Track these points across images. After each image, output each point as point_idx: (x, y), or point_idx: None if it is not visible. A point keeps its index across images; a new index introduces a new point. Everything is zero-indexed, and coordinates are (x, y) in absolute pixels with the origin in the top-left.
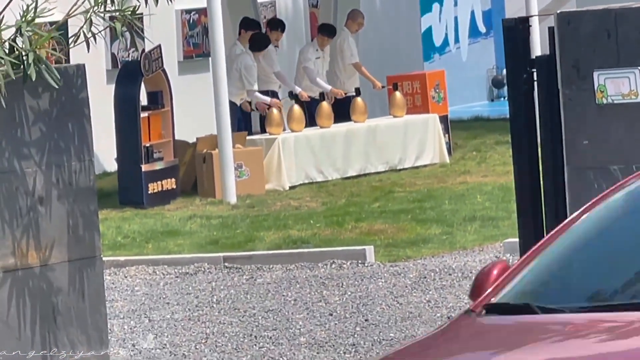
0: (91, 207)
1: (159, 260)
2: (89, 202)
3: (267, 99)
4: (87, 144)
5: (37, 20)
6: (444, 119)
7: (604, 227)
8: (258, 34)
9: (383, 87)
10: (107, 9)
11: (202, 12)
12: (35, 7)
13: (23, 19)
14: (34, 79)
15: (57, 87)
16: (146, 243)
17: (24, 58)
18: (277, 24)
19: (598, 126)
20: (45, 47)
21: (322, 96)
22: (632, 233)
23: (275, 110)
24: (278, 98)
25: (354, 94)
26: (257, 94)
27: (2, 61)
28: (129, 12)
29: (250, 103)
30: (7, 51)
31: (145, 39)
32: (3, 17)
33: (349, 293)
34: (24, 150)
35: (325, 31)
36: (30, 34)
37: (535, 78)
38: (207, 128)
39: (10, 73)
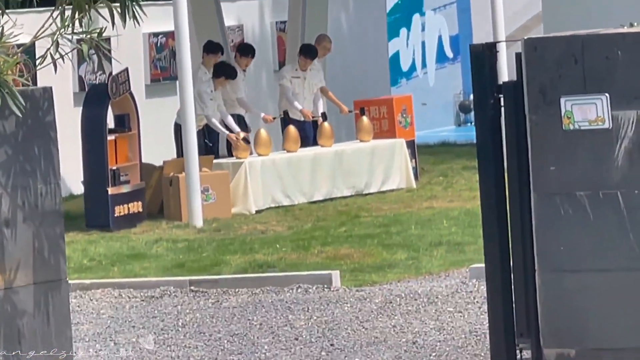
0: (57, 230)
1: (125, 284)
2: (55, 225)
3: (224, 130)
4: (54, 167)
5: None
6: (410, 144)
7: None
8: (225, 63)
9: (350, 111)
10: (75, 30)
11: (170, 35)
12: (2, 33)
13: None
14: None
15: (20, 115)
16: (112, 266)
17: None
18: (247, 50)
19: (565, 152)
20: (12, 73)
21: (287, 116)
22: None
23: (242, 134)
24: (245, 122)
25: (321, 118)
26: (214, 120)
27: None
28: (96, 34)
29: (205, 129)
30: None
31: (113, 62)
32: None
33: (315, 318)
34: None
35: (305, 52)
36: None
37: (502, 104)
38: (174, 151)
39: None
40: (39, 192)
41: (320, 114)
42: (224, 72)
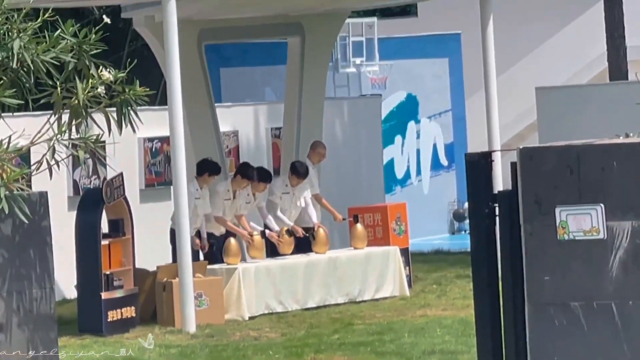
0: (51, 334)
1: None
2: (49, 330)
3: (196, 240)
4: (48, 272)
5: None
6: (404, 252)
7: None
8: (207, 159)
9: (344, 219)
10: (71, 136)
11: (165, 140)
12: (8, 143)
13: None
14: (7, 212)
15: (26, 221)
16: None
17: None
18: (266, 176)
19: (559, 262)
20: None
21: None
22: None
23: (232, 240)
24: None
25: (314, 227)
26: (200, 225)
27: None
28: (92, 141)
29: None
30: None
31: (107, 167)
32: None
33: None
34: None
35: (295, 171)
36: None
37: (497, 213)
38: (168, 257)
39: None
40: (33, 297)
41: (315, 225)
42: (207, 169)
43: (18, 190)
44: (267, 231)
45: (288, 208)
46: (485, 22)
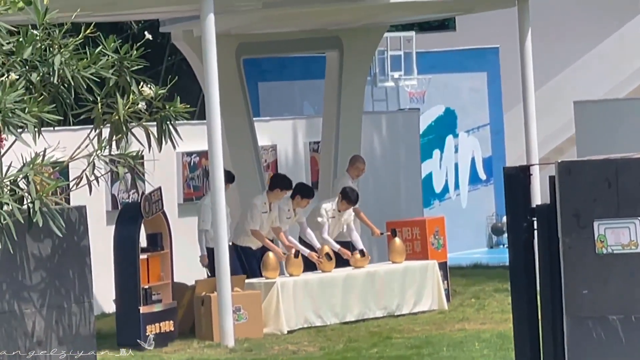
0: (90, 350)
1: None
2: (88, 345)
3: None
4: (87, 289)
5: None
6: (443, 266)
7: None
8: (225, 170)
9: (382, 233)
10: (111, 152)
11: (203, 154)
12: (43, 156)
13: (30, 166)
14: (40, 225)
15: (60, 235)
16: None
17: (30, 205)
18: (309, 192)
19: (597, 276)
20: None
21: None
22: None
23: (271, 254)
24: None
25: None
26: (204, 238)
27: (9, 205)
28: (132, 157)
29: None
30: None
31: (146, 181)
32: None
33: None
34: (24, 293)
35: (346, 197)
36: (33, 177)
37: (535, 226)
38: (206, 271)
39: (19, 216)
40: (72, 313)
41: (359, 250)
42: (226, 179)
43: (54, 205)
44: (307, 251)
45: (332, 229)
46: (524, 36)
